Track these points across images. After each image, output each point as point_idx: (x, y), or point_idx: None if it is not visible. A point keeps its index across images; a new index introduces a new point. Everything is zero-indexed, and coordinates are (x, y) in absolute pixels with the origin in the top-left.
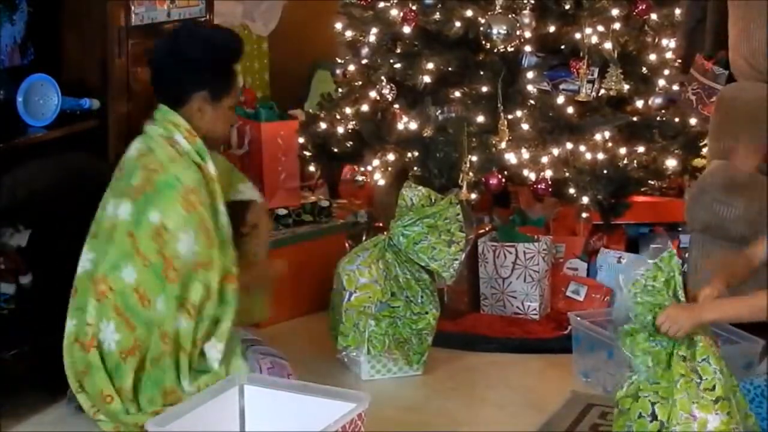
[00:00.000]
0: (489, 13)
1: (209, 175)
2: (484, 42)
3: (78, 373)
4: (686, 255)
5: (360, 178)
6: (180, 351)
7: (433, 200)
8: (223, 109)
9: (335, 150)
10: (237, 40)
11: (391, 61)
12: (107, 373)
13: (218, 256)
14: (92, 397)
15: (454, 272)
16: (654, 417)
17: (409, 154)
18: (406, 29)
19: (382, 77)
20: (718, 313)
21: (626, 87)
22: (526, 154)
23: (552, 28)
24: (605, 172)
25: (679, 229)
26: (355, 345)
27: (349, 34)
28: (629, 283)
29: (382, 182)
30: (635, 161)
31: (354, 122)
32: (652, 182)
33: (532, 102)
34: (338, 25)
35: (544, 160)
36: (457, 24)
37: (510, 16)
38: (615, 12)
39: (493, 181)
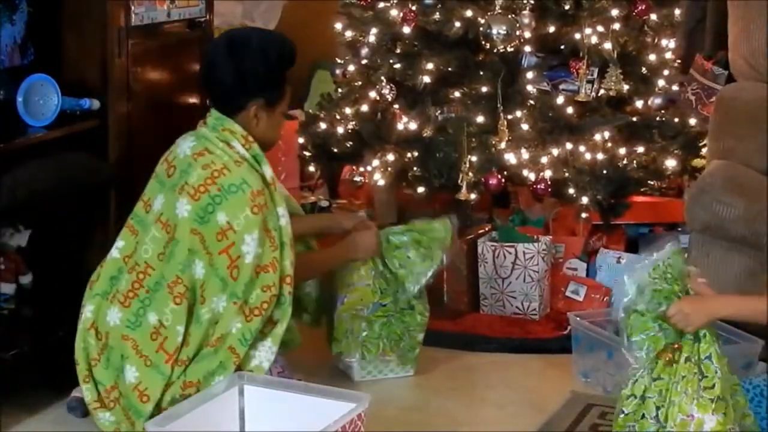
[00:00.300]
0: (489, 13)
1: (267, 179)
2: (484, 42)
3: (90, 360)
4: (686, 255)
5: (358, 178)
6: (230, 351)
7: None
8: (277, 116)
9: (335, 150)
10: (291, 46)
11: (391, 61)
12: (165, 378)
13: (279, 258)
14: (99, 389)
15: (418, 287)
16: (656, 420)
17: (409, 154)
18: (406, 29)
19: (382, 77)
20: (733, 308)
21: (626, 87)
22: (525, 154)
23: (552, 28)
24: (605, 172)
25: (679, 229)
26: (348, 351)
27: (349, 34)
28: (648, 268)
29: (382, 182)
30: (635, 161)
31: (354, 122)
32: (652, 182)
33: (531, 102)
34: (338, 25)
35: (544, 160)
36: (457, 24)
37: (510, 16)
38: (615, 12)
39: (493, 181)
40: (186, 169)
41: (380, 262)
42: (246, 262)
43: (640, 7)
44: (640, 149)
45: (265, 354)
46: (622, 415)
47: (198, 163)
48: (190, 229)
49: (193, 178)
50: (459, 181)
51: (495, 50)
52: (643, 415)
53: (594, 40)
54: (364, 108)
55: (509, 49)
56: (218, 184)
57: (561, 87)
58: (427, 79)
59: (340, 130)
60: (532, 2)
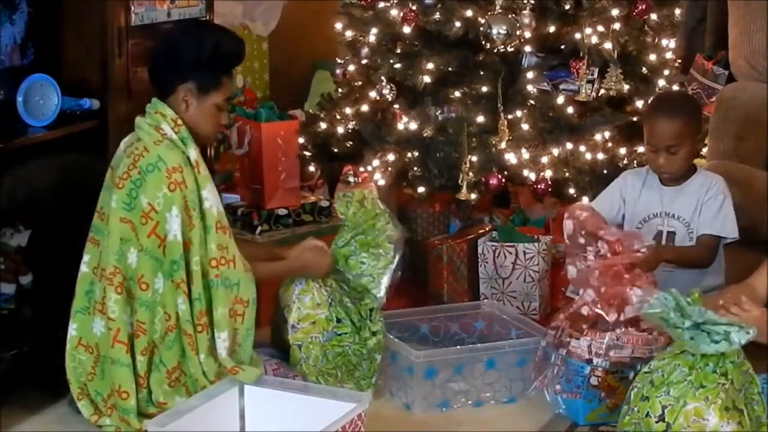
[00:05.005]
0: (489, 13)
1: (191, 161)
2: (484, 42)
3: (82, 377)
4: None
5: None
6: (182, 333)
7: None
8: (209, 106)
9: (335, 150)
10: (234, 44)
11: (391, 61)
12: (131, 367)
13: (198, 239)
14: (96, 401)
15: (384, 290)
16: (662, 418)
17: (409, 154)
18: (406, 29)
19: (382, 77)
20: None
21: (626, 87)
22: (526, 154)
23: (552, 28)
24: (605, 172)
25: None
26: (303, 376)
27: (349, 34)
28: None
29: (382, 182)
30: (635, 161)
31: (354, 122)
32: None
33: (532, 102)
34: (338, 25)
35: (544, 160)
36: (457, 24)
37: (510, 16)
38: (615, 12)
39: (493, 181)
40: (119, 165)
41: (339, 289)
42: (170, 239)
43: (640, 7)
44: (641, 149)
45: (219, 343)
46: (629, 413)
47: (127, 152)
48: (119, 218)
49: (121, 169)
50: (459, 181)
51: (495, 50)
52: (648, 413)
53: (594, 40)
54: (364, 108)
55: (509, 49)
56: (138, 167)
57: (561, 87)
58: (427, 79)
59: (340, 130)
60: (532, 2)
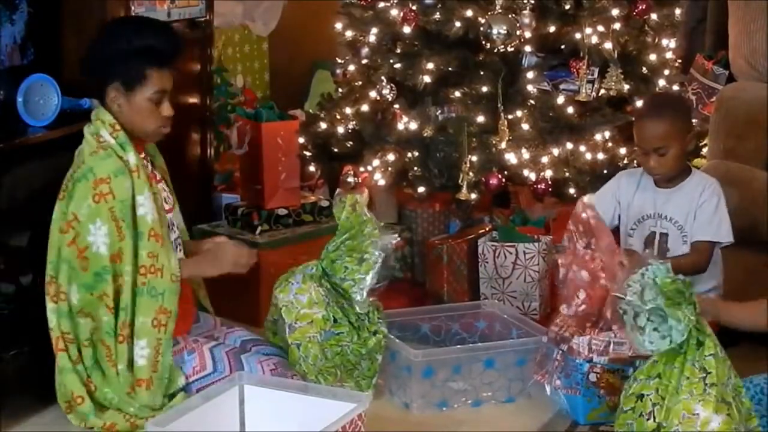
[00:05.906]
0: (489, 13)
1: (131, 166)
2: (484, 42)
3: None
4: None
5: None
6: (98, 343)
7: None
8: (140, 102)
9: (335, 150)
10: (155, 36)
11: (391, 61)
12: (77, 372)
13: (129, 248)
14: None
15: (365, 294)
16: (652, 417)
17: (409, 154)
18: (406, 29)
19: (382, 77)
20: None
21: (626, 87)
22: (526, 154)
23: (552, 28)
24: (605, 172)
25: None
26: (302, 376)
27: (349, 34)
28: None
29: (382, 182)
30: (635, 161)
31: (354, 122)
32: None
33: (532, 102)
34: (338, 25)
35: (544, 160)
36: (457, 24)
37: (510, 16)
38: (615, 12)
39: (493, 181)
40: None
41: (333, 290)
42: (93, 251)
43: (640, 7)
44: None
45: (137, 351)
46: (622, 413)
47: (72, 165)
48: (58, 228)
49: (64, 181)
50: (459, 181)
51: (495, 50)
52: (641, 413)
53: (594, 39)
54: (365, 108)
55: (509, 49)
56: (73, 178)
57: (561, 87)
58: (427, 79)
59: (341, 130)
60: (533, 2)
